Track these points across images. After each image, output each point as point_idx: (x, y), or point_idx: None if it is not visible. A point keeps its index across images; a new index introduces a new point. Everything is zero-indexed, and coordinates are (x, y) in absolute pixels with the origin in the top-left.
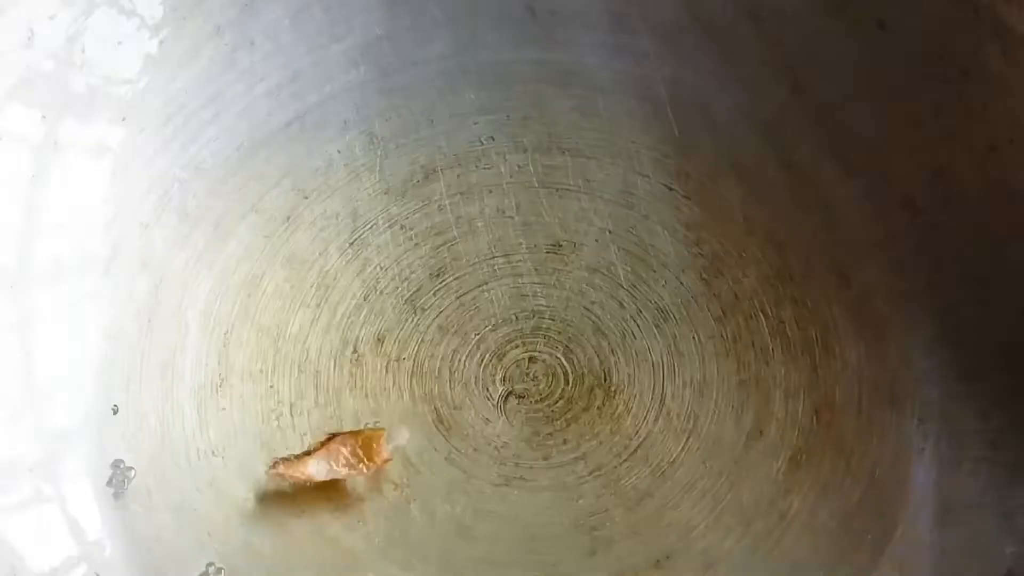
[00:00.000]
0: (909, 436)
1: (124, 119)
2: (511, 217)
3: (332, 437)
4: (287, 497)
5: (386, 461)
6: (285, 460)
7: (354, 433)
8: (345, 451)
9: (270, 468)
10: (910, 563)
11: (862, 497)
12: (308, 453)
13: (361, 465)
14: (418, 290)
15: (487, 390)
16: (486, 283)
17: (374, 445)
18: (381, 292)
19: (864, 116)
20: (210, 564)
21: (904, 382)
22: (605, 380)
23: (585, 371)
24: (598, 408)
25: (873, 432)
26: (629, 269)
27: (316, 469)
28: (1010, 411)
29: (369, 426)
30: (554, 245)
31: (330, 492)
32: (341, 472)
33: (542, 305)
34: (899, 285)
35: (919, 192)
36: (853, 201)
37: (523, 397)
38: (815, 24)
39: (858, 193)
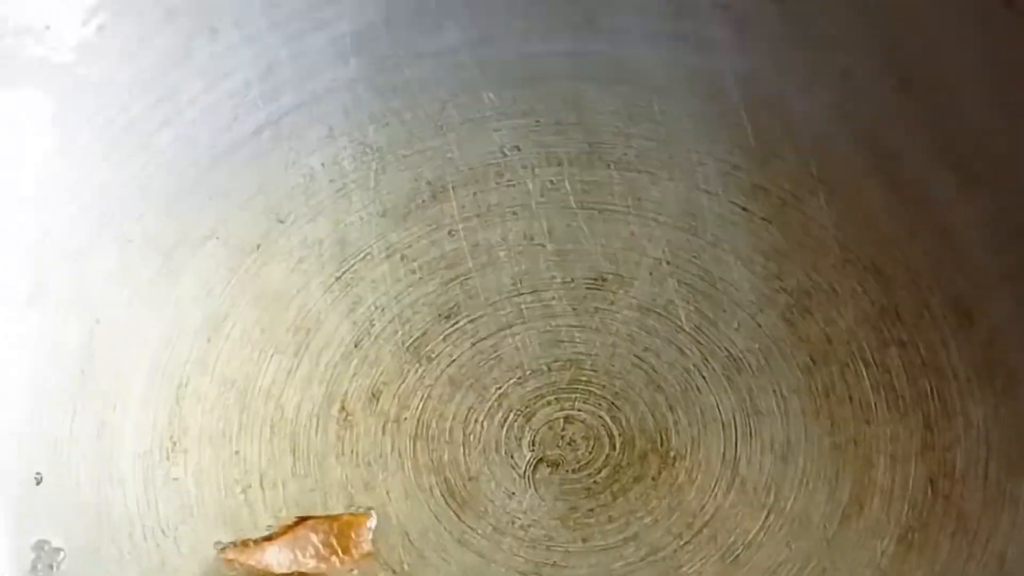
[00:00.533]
0: None
1: (51, 122)
2: (542, 245)
3: (302, 521)
4: None
5: (366, 555)
6: (241, 544)
7: (330, 518)
8: (316, 539)
9: (220, 552)
10: None
11: None
12: (270, 538)
13: (334, 558)
14: (423, 335)
15: (511, 457)
16: (510, 326)
17: (352, 535)
18: (376, 337)
19: (989, 116)
20: None
21: None
22: (662, 444)
23: (636, 433)
24: (653, 478)
25: (1004, 506)
26: (692, 308)
27: (277, 558)
28: None
29: (353, 511)
30: (596, 279)
31: None
32: (308, 564)
33: (581, 353)
34: None
35: None
36: (976, 222)
37: (557, 465)
38: (928, 1)
39: (982, 212)
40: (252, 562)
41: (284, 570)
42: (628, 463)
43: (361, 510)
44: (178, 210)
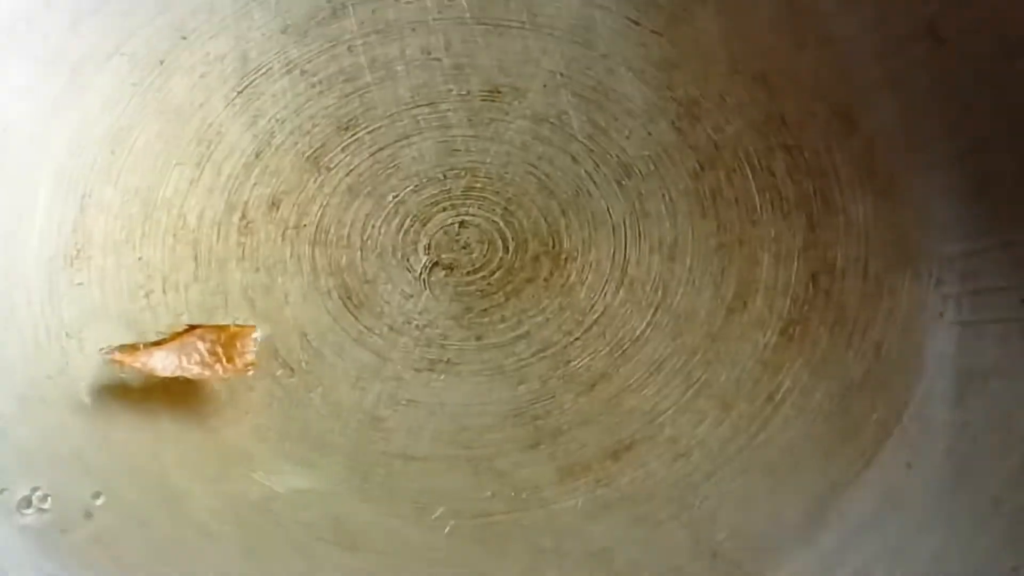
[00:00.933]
0: (924, 301)
1: None
2: (438, 59)
3: (191, 329)
4: (157, 386)
5: (249, 365)
6: (129, 347)
7: (218, 328)
8: (202, 347)
9: (107, 353)
10: (922, 443)
11: (866, 373)
12: (159, 343)
13: (218, 366)
14: (322, 146)
15: (407, 260)
16: (407, 137)
17: (238, 345)
18: (277, 148)
19: None
20: (35, 488)
21: (920, 239)
22: (553, 246)
23: (529, 236)
24: (545, 279)
25: (881, 298)
26: (585, 118)
27: (162, 363)
28: None
29: (238, 322)
30: (491, 91)
31: (208, 380)
32: (192, 370)
33: (476, 161)
34: (915, 127)
35: (941, 17)
36: (859, 32)
37: (452, 268)
38: None
39: (865, 22)
40: (138, 364)
41: (168, 374)
42: (521, 265)
43: (249, 322)
44: (84, 27)
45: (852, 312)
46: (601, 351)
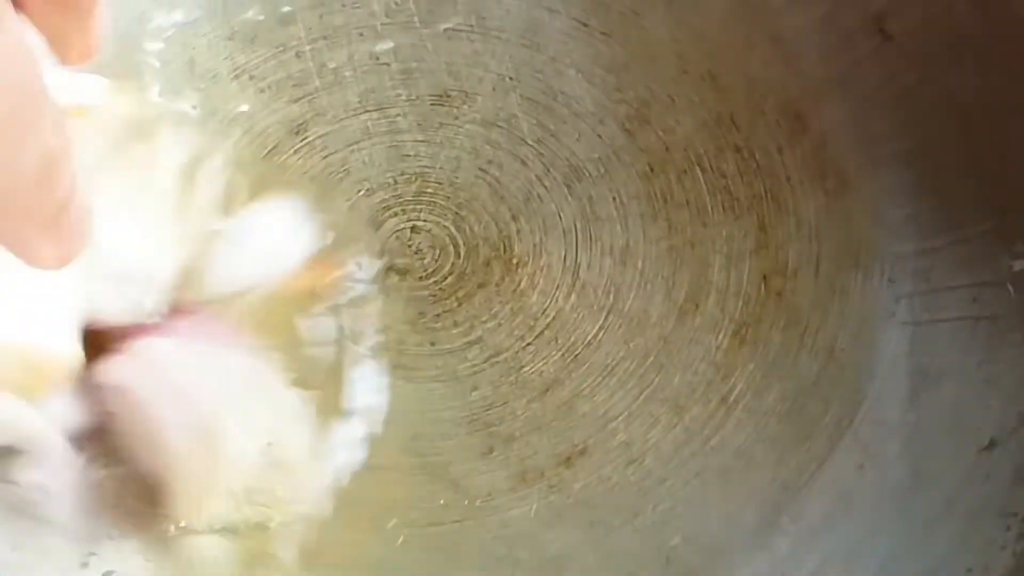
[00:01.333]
0: (877, 300)
1: None
2: (387, 64)
3: None
4: None
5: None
6: None
7: None
8: None
9: None
10: (876, 444)
11: (819, 374)
12: None
13: None
14: (275, 148)
15: (360, 266)
16: (357, 142)
17: None
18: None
19: None
20: None
21: (871, 239)
22: (505, 251)
23: (480, 241)
24: (496, 284)
25: (833, 299)
26: (534, 121)
27: None
28: (992, 263)
29: None
30: (441, 95)
31: None
32: None
33: (426, 166)
34: (865, 125)
35: (889, 13)
36: (808, 30)
37: (404, 273)
38: None
39: (814, 20)
40: None
41: None
42: (472, 270)
43: None
44: None
45: (804, 313)
46: (553, 356)
